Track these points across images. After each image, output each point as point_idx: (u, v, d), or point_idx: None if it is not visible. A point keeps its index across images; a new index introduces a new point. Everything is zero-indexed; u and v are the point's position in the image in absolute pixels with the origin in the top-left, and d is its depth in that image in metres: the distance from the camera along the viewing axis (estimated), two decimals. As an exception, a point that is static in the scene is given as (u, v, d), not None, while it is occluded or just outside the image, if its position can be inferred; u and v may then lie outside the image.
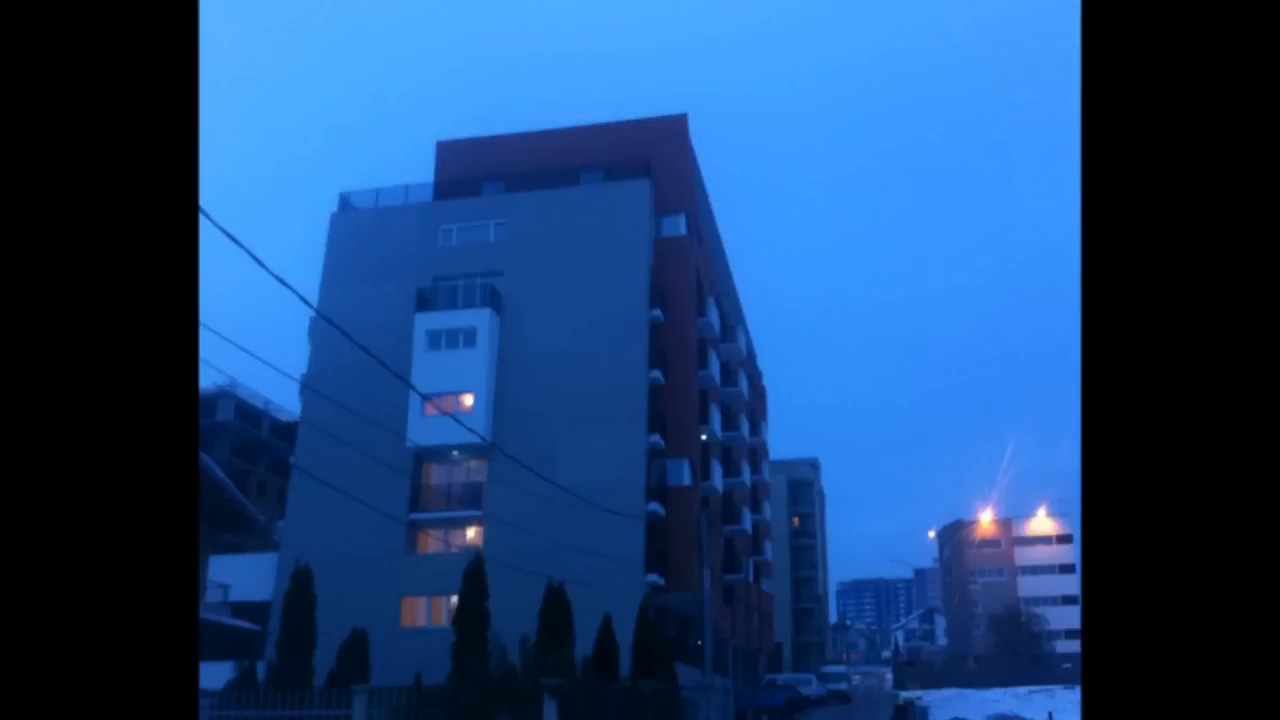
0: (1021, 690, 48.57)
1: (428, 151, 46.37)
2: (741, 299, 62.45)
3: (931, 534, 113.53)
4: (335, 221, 41.20)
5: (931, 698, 43.80)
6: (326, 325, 33.40)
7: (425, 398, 33.72)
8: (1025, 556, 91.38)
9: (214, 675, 21.84)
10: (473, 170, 42.97)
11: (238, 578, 31.94)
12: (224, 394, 55.65)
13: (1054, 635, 74.13)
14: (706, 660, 31.59)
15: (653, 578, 34.08)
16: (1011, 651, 69.09)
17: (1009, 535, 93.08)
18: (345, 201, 42.38)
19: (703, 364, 40.96)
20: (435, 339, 37.37)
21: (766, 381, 70.28)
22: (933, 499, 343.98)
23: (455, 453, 36.57)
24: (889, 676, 78.66)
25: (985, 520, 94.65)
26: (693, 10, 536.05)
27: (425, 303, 38.46)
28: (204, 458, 20.00)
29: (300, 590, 21.72)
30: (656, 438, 36.29)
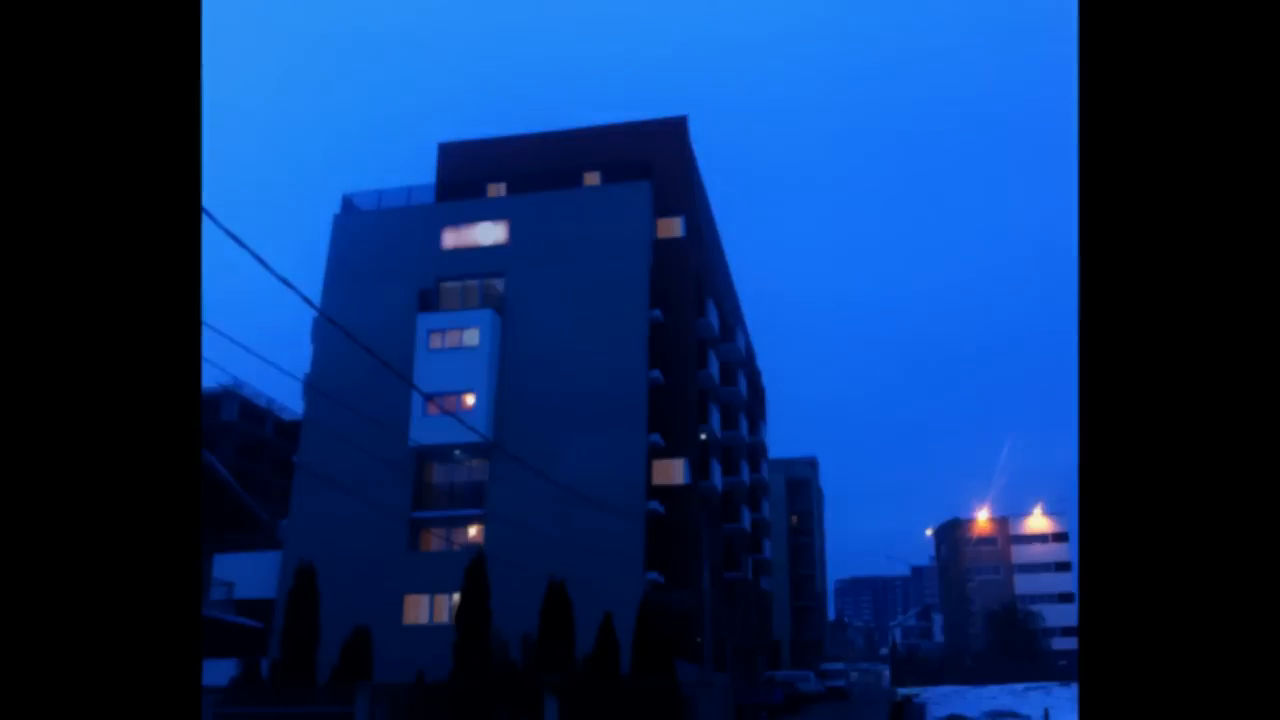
0: (1018, 687, 48.72)
1: (430, 153, 46.62)
2: (741, 299, 62.64)
3: (929, 532, 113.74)
4: (338, 223, 41.40)
5: (929, 694, 44.01)
6: (329, 325, 33.66)
7: (427, 397, 33.98)
8: (1021, 554, 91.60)
9: (219, 672, 22.10)
10: (474, 172, 43.15)
11: (242, 575, 32.16)
12: (228, 394, 55.87)
13: (1050, 633, 74.30)
14: (706, 657, 31.87)
15: (653, 575, 34.32)
16: (1008, 649, 69.26)
17: (1005, 533, 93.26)
18: (348, 203, 42.59)
19: (702, 364, 41.16)
20: (437, 339, 37.62)
21: (766, 381, 70.48)
22: (930, 497, 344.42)
23: (457, 452, 36.83)
24: (887, 673, 78.84)
25: (982, 518, 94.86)
26: (693, 12, 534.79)
27: (427, 303, 38.70)
28: (208, 457, 20.23)
29: (303, 588, 21.93)
30: (656, 437, 36.53)
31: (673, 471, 37.45)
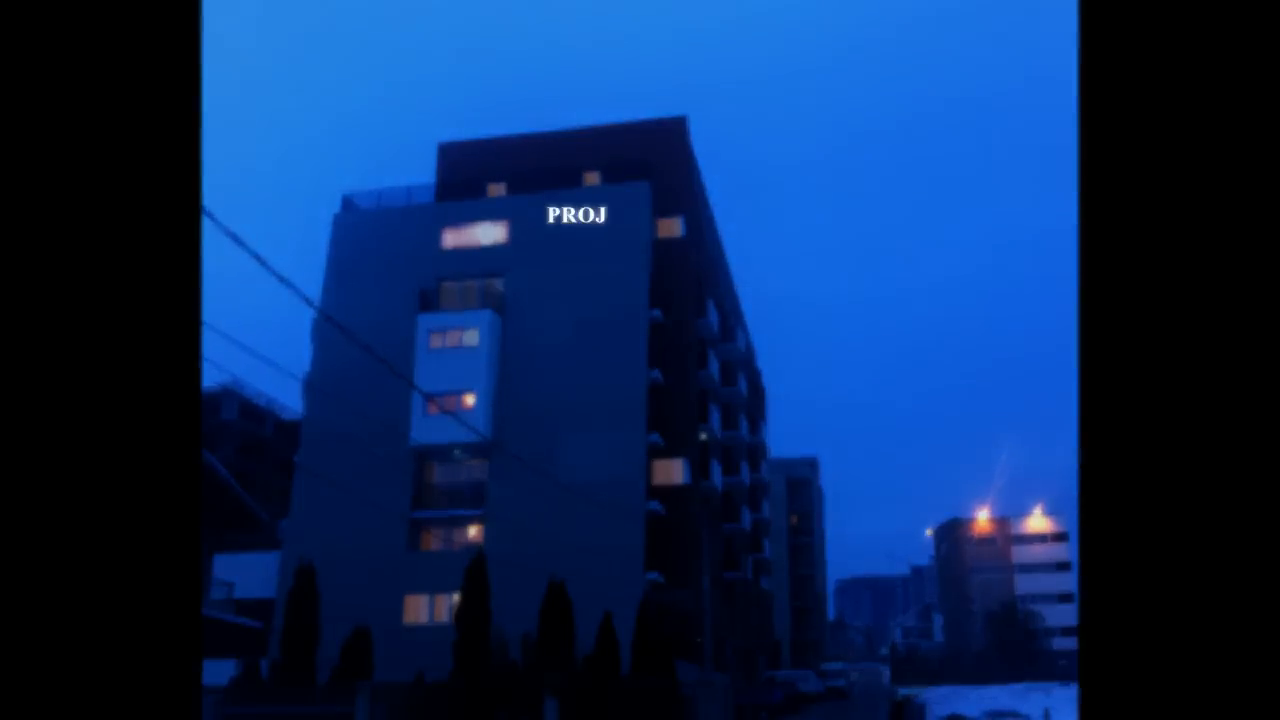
0: (1018, 687, 48.63)
1: (430, 153, 46.65)
2: (741, 299, 62.68)
3: (929, 532, 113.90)
4: (338, 222, 41.44)
5: (929, 694, 43.91)
6: (329, 325, 33.68)
7: (427, 397, 34.00)
8: (1021, 554, 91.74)
9: (219, 672, 22.13)
10: (474, 171, 43.21)
11: (242, 575, 32.15)
12: (228, 393, 55.93)
13: (1050, 633, 74.35)
14: (706, 657, 31.92)
15: (653, 575, 34.35)
16: (1008, 649, 69.26)
17: (1005, 533, 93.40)
18: (348, 202, 42.64)
19: (702, 364, 41.20)
20: (437, 339, 37.67)
21: (766, 381, 70.54)
22: (930, 497, 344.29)
23: (457, 451, 36.85)
24: (887, 673, 78.82)
25: (982, 518, 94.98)
26: (694, 12, 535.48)
27: (427, 303, 38.74)
28: (208, 456, 20.20)
29: (303, 588, 21.98)
30: (656, 437, 36.56)
31: (673, 471, 37.49)
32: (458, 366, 36.89)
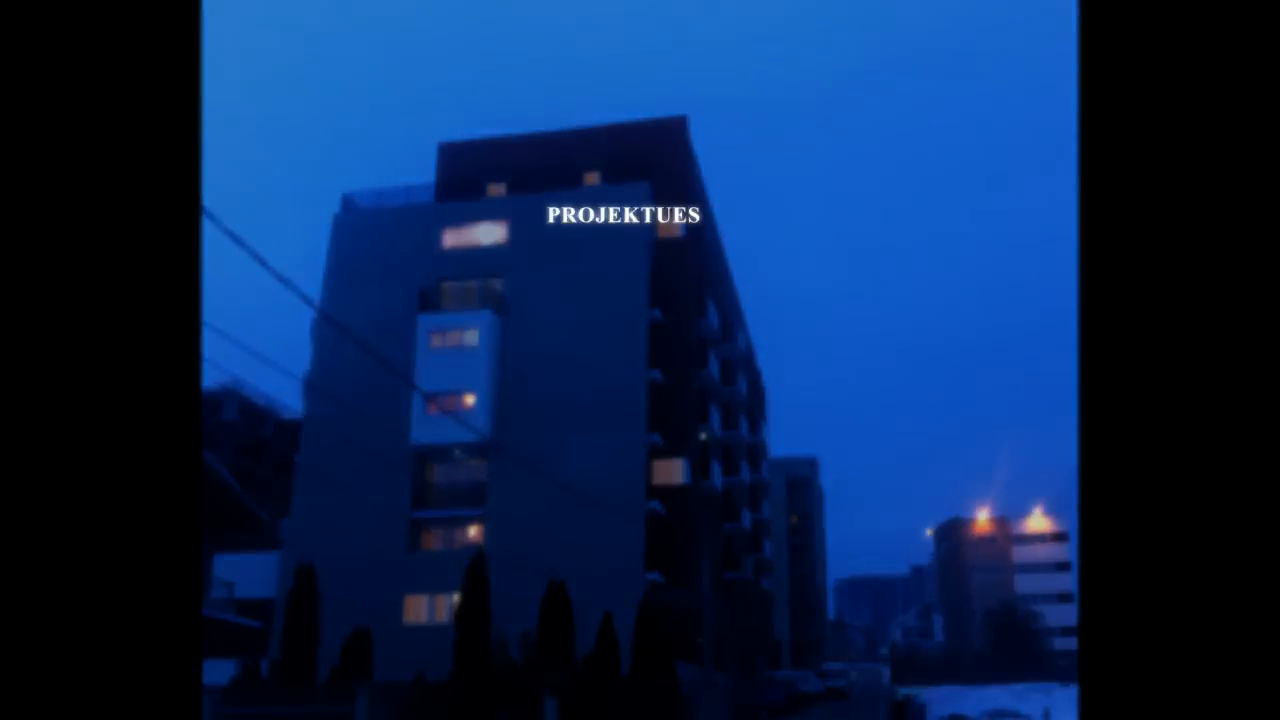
0: (1018, 687, 48.55)
1: (430, 152, 46.65)
2: (741, 299, 62.66)
3: (929, 532, 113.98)
4: (338, 222, 41.44)
5: (929, 694, 43.85)
6: (329, 325, 33.71)
7: (427, 397, 34.02)
8: (1021, 554, 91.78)
9: (219, 672, 22.12)
10: (474, 171, 43.23)
11: (242, 575, 32.13)
12: (229, 393, 55.93)
13: (1050, 633, 74.34)
14: (706, 657, 31.87)
15: (653, 575, 34.35)
16: (1008, 649, 69.23)
17: (1005, 533, 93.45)
18: (348, 202, 42.64)
19: (702, 364, 41.21)
20: (437, 339, 37.67)
21: (766, 381, 70.57)
22: (930, 497, 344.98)
23: (457, 451, 36.86)
24: (887, 673, 78.76)
25: (982, 518, 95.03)
26: (693, 11, 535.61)
27: (427, 303, 38.73)
28: (208, 457, 20.21)
29: (303, 588, 21.99)
30: (656, 437, 36.55)
31: (673, 471, 37.49)
32: (458, 366, 36.90)
